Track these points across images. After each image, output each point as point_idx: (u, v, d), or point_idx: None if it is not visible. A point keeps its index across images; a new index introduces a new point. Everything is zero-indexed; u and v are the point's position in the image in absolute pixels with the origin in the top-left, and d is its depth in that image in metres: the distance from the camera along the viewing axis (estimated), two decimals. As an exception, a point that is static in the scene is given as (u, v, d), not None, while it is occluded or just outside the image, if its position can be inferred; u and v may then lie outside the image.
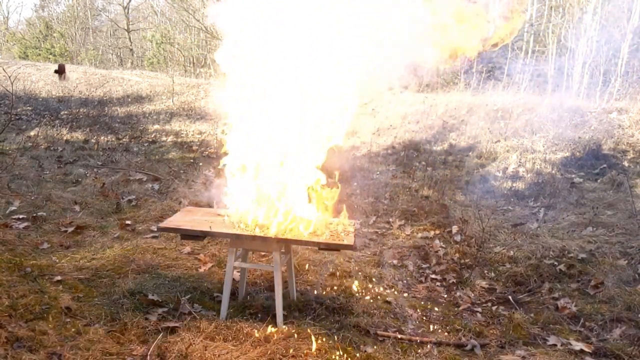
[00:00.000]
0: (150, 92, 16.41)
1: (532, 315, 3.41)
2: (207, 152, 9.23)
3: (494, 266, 4.26)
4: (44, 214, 4.82)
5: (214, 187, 6.50)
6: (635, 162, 8.08)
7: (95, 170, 7.10)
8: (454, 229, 5.05)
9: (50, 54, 27.35)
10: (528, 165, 8.18)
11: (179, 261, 3.95)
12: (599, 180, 7.28)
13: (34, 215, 4.71)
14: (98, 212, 5.14)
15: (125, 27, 28.92)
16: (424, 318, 3.31)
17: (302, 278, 3.82)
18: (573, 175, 7.56)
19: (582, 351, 2.93)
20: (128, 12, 29.37)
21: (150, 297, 3.14)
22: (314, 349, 2.70)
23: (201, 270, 3.82)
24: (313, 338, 2.80)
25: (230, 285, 3.00)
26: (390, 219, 5.47)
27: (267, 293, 3.44)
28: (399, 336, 2.99)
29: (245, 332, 2.79)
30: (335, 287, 3.69)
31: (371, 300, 3.50)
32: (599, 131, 9.34)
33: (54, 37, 29.07)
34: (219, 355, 2.54)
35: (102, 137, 9.75)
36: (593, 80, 17.08)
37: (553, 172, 7.81)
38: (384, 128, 11.38)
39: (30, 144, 8.51)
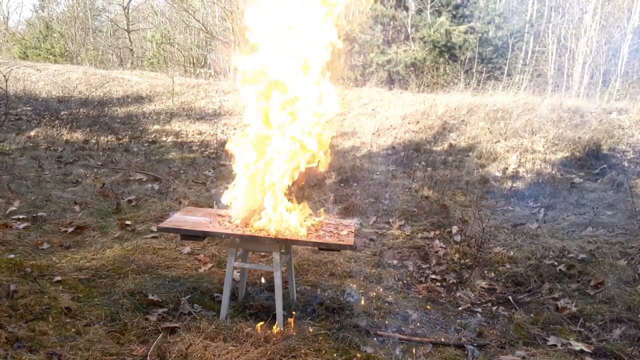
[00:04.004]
0: (150, 92, 16.41)
1: (532, 315, 3.41)
2: (207, 152, 9.23)
3: (494, 266, 4.26)
4: (44, 214, 4.82)
5: (214, 187, 6.51)
6: (635, 162, 8.08)
7: (95, 170, 7.10)
8: (454, 229, 5.04)
9: (50, 54, 27.32)
10: (528, 165, 8.18)
11: (178, 261, 3.95)
12: (599, 181, 7.28)
13: (34, 215, 4.71)
14: (98, 212, 5.14)
15: (125, 27, 28.90)
16: (424, 318, 3.31)
17: (302, 278, 3.82)
18: (573, 176, 7.55)
19: (582, 351, 2.93)
20: (128, 13, 29.35)
21: (150, 297, 3.14)
22: (313, 349, 2.70)
23: (201, 270, 3.82)
24: (313, 338, 2.80)
25: (230, 285, 3.00)
26: (390, 219, 5.46)
27: (267, 293, 3.44)
28: (399, 336, 2.99)
29: (245, 332, 2.78)
30: (335, 287, 3.69)
31: (371, 300, 3.50)
32: (599, 131, 9.33)
33: (54, 37, 29.06)
34: (219, 356, 2.54)
35: (102, 137, 9.75)
36: (593, 80, 17.09)
37: (553, 172, 7.81)
38: (384, 128, 11.38)
39: (30, 144, 8.51)
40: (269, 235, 2.84)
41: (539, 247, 4.58)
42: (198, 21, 22.74)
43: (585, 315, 3.39)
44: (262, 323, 2.93)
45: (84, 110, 12.62)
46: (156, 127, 11.82)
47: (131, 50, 29.18)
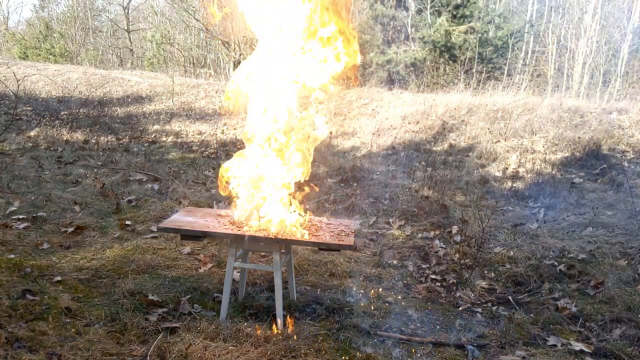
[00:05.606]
0: (150, 92, 16.41)
1: (532, 315, 3.41)
2: (207, 152, 9.23)
3: (494, 266, 4.26)
4: (44, 214, 4.82)
5: (214, 187, 6.51)
6: (635, 162, 8.08)
7: (95, 170, 7.10)
8: (454, 229, 5.04)
9: (50, 54, 27.33)
10: (528, 165, 8.18)
11: (178, 261, 3.95)
12: (599, 181, 7.28)
13: (34, 215, 4.71)
14: (98, 212, 5.14)
15: (125, 28, 28.90)
16: (424, 318, 3.31)
17: (302, 278, 3.82)
18: (573, 176, 7.55)
19: (582, 351, 2.93)
20: (128, 13, 29.36)
21: (150, 297, 3.14)
22: (313, 349, 2.70)
23: (201, 270, 3.82)
24: (313, 338, 2.80)
25: (230, 285, 3.00)
26: (390, 219, 5.46)
27: (267, 293, 3.44)
28: (399, 336, 2.99)
29: (245, 332, 2.78)
30: (335, 287, 3.69)
31: (371, 300, 3.50)
32: (599, 131, 9.33)
33: (54, 37, 29.06)
34: (218, 356, 2.54)
35: (102, 138, 9.75)
36: (593, 80, 17.10)
37: (553, 172, 7.81)
38: (384, 128, 11.38)
39: (30, 144, 8.51)
40: (269, 235, 2.84)
41: (539, 247, 4.58)
42: (198, 21, 22.74)
43: (585, 315, 3.39)
44: (262, 323, 2.93)
45: (84, 110, 12.61)
46: (156, 127, 11.82)
47: (131, 50, 29.18)
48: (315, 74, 2.88)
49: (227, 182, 3.07)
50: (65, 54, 27.78)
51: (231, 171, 3.06)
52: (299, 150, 2.97)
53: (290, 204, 3.04)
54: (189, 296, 3.27)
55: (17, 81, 8.45)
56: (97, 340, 2.64)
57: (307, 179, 3.04)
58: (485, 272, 4.16)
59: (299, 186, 3.11)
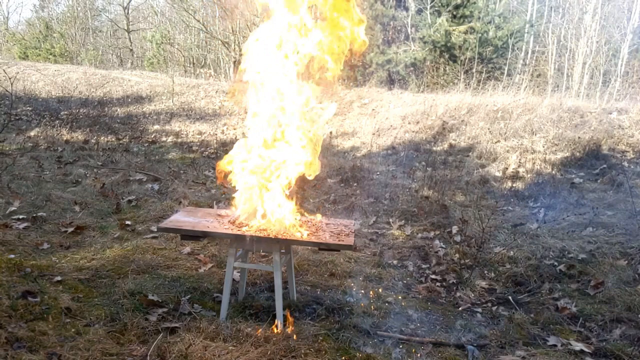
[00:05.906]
0: (150, 92, 16.41)
1: (532, 315, 3.41)
2: (207, 153, 9.23)
3: (494, 266, 4.25)
4: (44, 214, 4.81)
5: (214, 187, 6.51)
6: (635, 162, 8.08)
7: (95, 170, 7.10)
8: (454, 229, 5.05)
9: (50, 54, 27.35)
10: (528, 165, 8.18)
11: (178, 261, 3.95)
12: (599, 181, 7.28)
13: (34, 215, 4.71)
14: (98, 212, 5.14)
15: (125, 28, 28.91)
16: (424, 318, 3.31)
17: (302, 278, 3.82)
18: (573, 176, 7.56)
19: (582, 351, 2.93)
20: (128, 13, 29.37)
21: (150, 297, 3.14)
22: (313, 349, 2.70)
23: (201, 270, 3.82)
24: (313, 338, 2.80)
25: (230, 285, 3.00)
26: (390, 219, 5.46)
27: (267, 293, 3.44)
28: (399, 336, 2.99)
29: (245, 332, 2.78)
30: (335, 287, 3.69)
31: (371, 300, 3.50)
32: (599, 131, 9.33)
33: (54, 37, 29.09)
34: (218, 356, 2.54)
35: (102, 138, 9.75)
36: (593, 80, 17.11)
37: (553, 172, 7.81)
38: (384, 128, 11.38)
39: (30, 144, 8.51)
40: (268, 235, 2.84)
41: (539, 247, 4.58)
42: (198, 21, 22.75)
43: (585, 315, 3.39)
44: (262, 323, 2.93)
45: (84, 110, 12.61)
46: (156, 127, 11.82)
47: (131, 50, 29.20)
48: (321, 61, 2.86)
49: (226, 176, 3.05)
50: (65, 54, 27.79)
51: (232, 164, 3.04)
52: (305, 145, 2.94)
53: (291, 202, 3.03)
54: (189, 296, 3.27)
55: (10, 79, 8.44)
56: (97, 340, 2.64)
57: (312, 177, 3.01)
58: (485, 272, 4.16)
59: (301, 184, 3.10)
